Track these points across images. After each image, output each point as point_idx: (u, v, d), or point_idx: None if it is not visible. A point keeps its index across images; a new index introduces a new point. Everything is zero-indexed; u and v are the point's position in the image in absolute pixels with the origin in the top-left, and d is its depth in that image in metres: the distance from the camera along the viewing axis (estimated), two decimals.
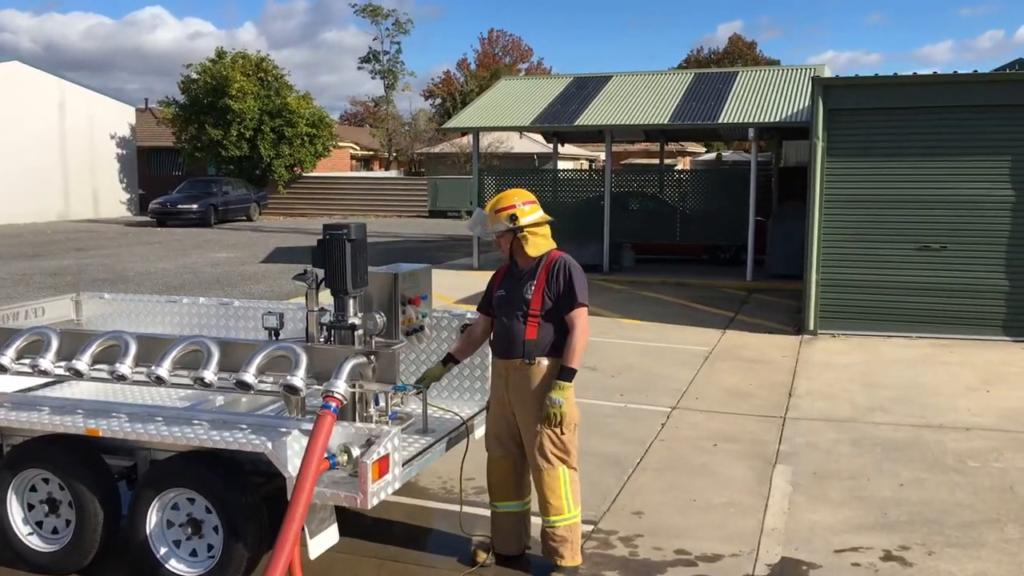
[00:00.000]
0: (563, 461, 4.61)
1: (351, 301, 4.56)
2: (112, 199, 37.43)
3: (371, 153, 56.35)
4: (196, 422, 4.42)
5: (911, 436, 7.15)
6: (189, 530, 4.46)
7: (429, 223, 33.43)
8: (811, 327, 11.27)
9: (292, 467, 4.12)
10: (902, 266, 10.96)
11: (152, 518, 4.51)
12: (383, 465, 4.14)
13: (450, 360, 4.93)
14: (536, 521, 4.83)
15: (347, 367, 4.21)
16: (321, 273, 4.58)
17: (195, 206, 30.93)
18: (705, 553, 5.08)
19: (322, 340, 4.75)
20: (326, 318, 4.76)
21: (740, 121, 15.59)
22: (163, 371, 4.43)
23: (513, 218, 4.49)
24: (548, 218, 4.64)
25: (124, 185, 38.36)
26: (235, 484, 4.37)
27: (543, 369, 4.55)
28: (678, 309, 13.34)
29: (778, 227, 16.22)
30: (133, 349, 4.61)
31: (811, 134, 11.22)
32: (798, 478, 6.27)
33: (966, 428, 7.33)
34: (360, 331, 4.59)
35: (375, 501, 4.09)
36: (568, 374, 4.49)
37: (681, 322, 12.23)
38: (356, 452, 4.16)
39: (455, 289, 14.90)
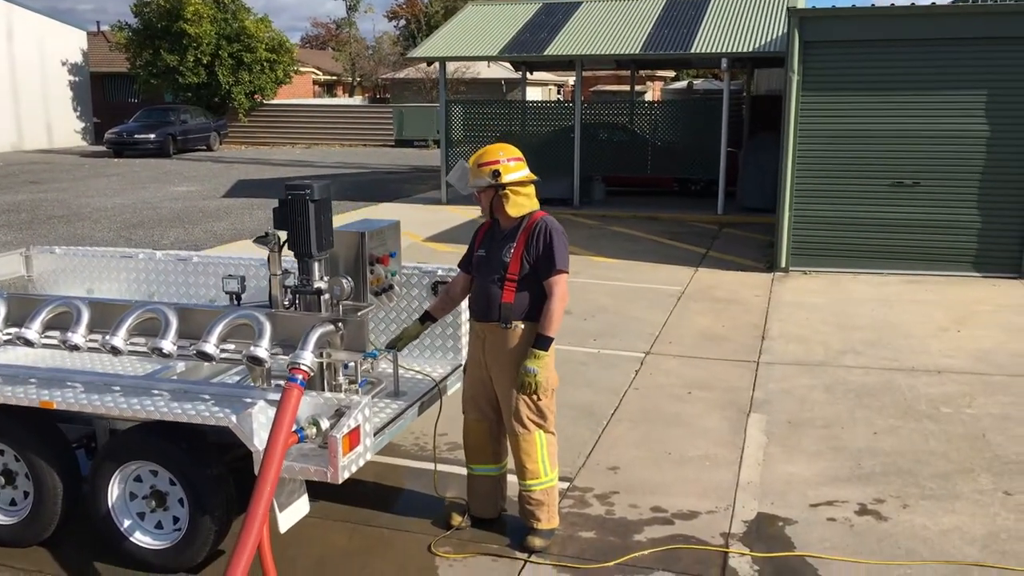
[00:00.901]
0: (539, 426, 4.50)
1: (316, 264, 4.34)
2: (66, 128, 36.25)
3: (334, 78, 55.00)
4: (156, 392, 4.22)
5: (884, 380, 7.14)
6: (153, 503, 4.30)
7: (395, 152, 32.82)
8: (783, 264, 11.21)
9: (258, 440, 3.97)
10: (875, 202, 10.88)
11: (114, 490, 4.35)
12: (353, 437, 3.99)
13: (427, 318, 4.77)
14: (513, 481, 4.75)
15: (313, 336, 4.02)
16: (283, 235, 4.34)
17: (153, 136, 30.01)
18: (681, 510, 5.04)
19: (286, 304, 4.54)
20: (290, 280, 4.55)
21: (713, 51, 15.24)
22: (118, 341, 4.21)
23: (496, 174, 4.28)
24: (534, 177, 4.44)
25: (78, 114, 37.11)
26: (199, 456, 4.21)
27: (519, 334, 4.41)
28: (650, 245, 13.22)
29: (749, 159, 16.05)
30: (85, 316, 4.37)
31: (786, 67, 10.97)
32: (772, 427, 6.24)
33: (938, 371, 7.34)
34: (326, 295, 4.38)
35: (346, 475, 3.95)
36: (544, 342, 4.34)
37: (653, 260, 12.11)
38: (325, 424, 4.01)
39: (424, 225, 14.64)
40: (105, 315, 4.47)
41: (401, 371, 4.96)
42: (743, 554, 4.57)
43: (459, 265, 4.72)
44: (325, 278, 4.41)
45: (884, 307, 9.42)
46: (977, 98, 10.42)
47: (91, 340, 4.36)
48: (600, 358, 7.80)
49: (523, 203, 4.39)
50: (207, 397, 4.18)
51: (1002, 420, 6.27)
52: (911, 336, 8.37)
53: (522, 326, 4.41)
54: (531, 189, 4.43)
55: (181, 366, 4.85)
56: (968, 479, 5.38)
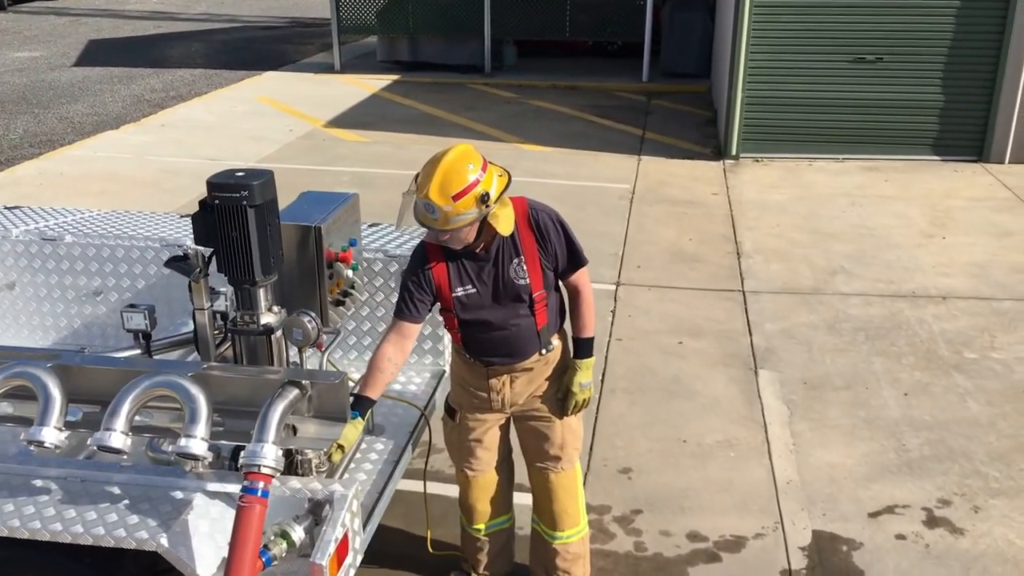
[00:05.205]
0: (578, 453, 3.55)
1: (261, 292, 3.02)
2: None
3: None
4: (39, 487, 2.92)
5: (889, 313, 6.36)
6: None
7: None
8: (733, 151, 10.20)
9: (203, 566, 2.77)
10: (834, 80, 9.88)
11: None
12: (341, 550, 2.84)
13: (364, 405, 3.13)
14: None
15: (275, 417, 2.75)
16: (208, 252, 2.97)
17: None
18: (723, 535, 4.16)
19: (217, 333, 3.22)
20: (220, 303, 3.21)
21: None
22: None
23: (485, 198, 2.92)
24: (509, 175, 3.09)
25: None
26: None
27: (559, 350, 3.39)
28: (580, 126, 11.92)
29: (674, 17, 14.68)
30: None
31: None
32: (789, 391, 5.39)
33: (942, 297, 6.61)
34: (278, 334, 3.08)
35: None
36: (590, 347, 3.40)
37: (589, 146, 10.88)
38: (298, 534, 2.84)
39: (321, 104, 12.79)
40: None
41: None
42: None
43: (399, 315, 3.17)
44: (275, 309, 3.09)
45: (855, 207, 8.60)
46: None
47: None
48: None
49: (508, 213, 3.07)
50: (116, 492, 2.92)
51: None
52: (896, 246, 7.60)
53: (557, 341, 3.38)
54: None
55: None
56: None
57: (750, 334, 6.11)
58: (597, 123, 12.09)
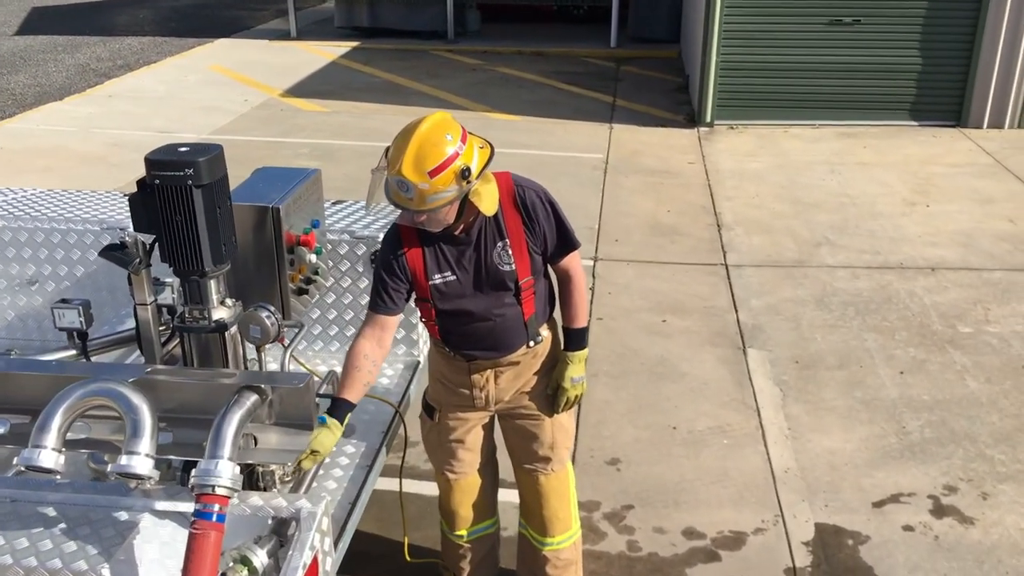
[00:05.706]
0: (570, 452, 3.25)
1: (212, 283, 2.64)
2: None
3: None
4: None
5: (878, 286, 6.12)
6: None
7: None
8: (707, 119, 9.89)
9: None
10: (810, 44, 9.60)
11: None
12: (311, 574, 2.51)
13: (342, 409, 2.77)
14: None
15: (230, 430, 2.39)
16: (149, 240, 2.59)
17: None
18: (721, 531, 3.89)
19: (163, 328, 2.84)
20: (165, 295, 2.83)
21: None
22: None
23: (466, 174, 2.57)
24: (492, 147, 2.74)
25: None
26: None
27: (548, 341, 3.05)
28: (549, 94, 11.54)
29: None
30: None
31: None
32: (780, 371, 5.13)
33: (931, 268, 6.38)
34: (232, 330, 2.71)
35: None
36: (583, 338, 3.06)
37: (559, 115, 10.51)
38: (260, 558, 2.50)
39: (277, 72, 12.25)
40: None
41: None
42: None
43: (374, 309, 2.83)
44: (229, 302, 2.72)
45: (833, 174, 8.36)
46: None
47: None
48: None
49: (492, 189, 2.71)
50: (52, 514, 2.55)
51: None
52: (879, 215, 7.36)
53: (546, 332, 3.04)
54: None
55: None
56: None
57: (736, 311, 5.84)
58: (566, 90, 11.71)
